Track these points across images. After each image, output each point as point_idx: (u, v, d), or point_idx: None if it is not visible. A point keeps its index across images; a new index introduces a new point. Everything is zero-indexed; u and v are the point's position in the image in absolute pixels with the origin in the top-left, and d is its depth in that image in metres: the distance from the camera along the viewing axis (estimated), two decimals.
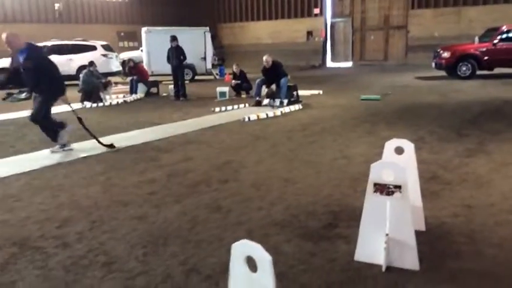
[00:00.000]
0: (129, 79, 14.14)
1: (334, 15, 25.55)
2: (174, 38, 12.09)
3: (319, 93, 12.34)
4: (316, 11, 25.50)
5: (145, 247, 3.30)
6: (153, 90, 13.50)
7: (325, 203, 4.09)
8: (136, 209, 4.07)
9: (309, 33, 25.72)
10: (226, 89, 12.37)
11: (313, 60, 24.74)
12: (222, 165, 5.51)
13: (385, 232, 2.88)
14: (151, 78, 14.27)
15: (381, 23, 24.11)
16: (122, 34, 24.34)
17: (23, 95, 13.51)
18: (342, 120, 8.31)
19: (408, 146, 3.33)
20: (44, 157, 6.14)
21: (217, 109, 10.04)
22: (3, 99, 13.22)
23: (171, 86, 12.72)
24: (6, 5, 19.92)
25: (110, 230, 3.62)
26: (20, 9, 20.42)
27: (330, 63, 25.57)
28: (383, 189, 2.85)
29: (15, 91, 13.86)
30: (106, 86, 12.32)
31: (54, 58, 16.83)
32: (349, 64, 24.97)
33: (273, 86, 10.54)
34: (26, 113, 10.17)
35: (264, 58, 10.68)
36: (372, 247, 2.94)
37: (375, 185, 2.87)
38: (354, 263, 2.96)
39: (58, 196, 4.50)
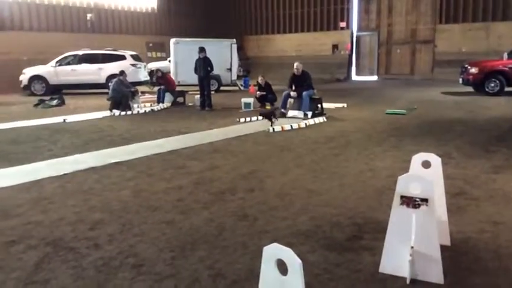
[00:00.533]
0: (156, 88, 14.46)
1: (360, 29, 25.58)
2: (202, 49, 12.35)
3: (343, 107, 12.36)
4: (342, 24, 25.58)
5: (173, 251, 3.40)
6: (180, 99, 13.76)
7: (349, 215, 4.12)
8: (164, 214, 4.19)
9: (335, 47, 25.78)
10: (251, 100, 12.52)
11: (338, 73, 24.76)
12: (248, 174, 5.60)
13: (411, 245, 2.90)
14: (177, 88, 14.55)
15: (408, 37, 23.99)
16: (151, 45, 24.88)
17: (54, 102, 13.98)
18: (367, 133, 8.31)
19: (435, 160, 3.35)
20: (76, 161, 6.35)
21: (242, 119, 10.17)
22: (35, 105, 13.68)
23: (197, 96, 12.95)
24: (41, 14, 20.68)
25: (139, 234, 3.74)
26: (54, 18, 21.15)
27: (355, 77, 25.54)
28: (409, 201, 2.89)
29: (47, 98, 14.34)
30: (134, 94, 12.63)
31: (85, 67, 17.55)
32: (374, 78, 24.89)
33: (293, 94, 10.60)
34: (58, 119, 10.59)
35: (295, 65, 10.77)
36: (396, 259, 2.96)
37: (402, 197, 2.90)
38: (379, 275, 2.99)
39: (90, 199, 4.66)
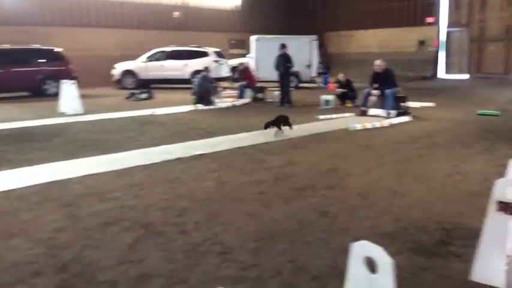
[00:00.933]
0: (237, 85, 14.80)
1: (449, 25, 24.16)
2: (283, 46, 12.43)
3: (430, 106, 11.77)
4: (430, 19, 24.32)
5: (256, 242, 3.49)
6: (259, 95, 13.96)
7: (437, 219, 3.94)
8: (246, 206, 4.30)
9: (421, 43, 24.61)
10: (331, 97, 12.37)
11: (424, 71, 23.64)
12: (327, 172, 5.56)
13: (507, 253, 2.72)
14: (258, 84, 14.75)
15: (502, 33, 22.26)
16: (233, 42, 25.46)
17: (144, 95, 14.85)
18: (456, 135, 7.86)
19: None
20: (163, 152, 6.70)
21: (321, 117, 10.08)
22: (127, 98, 14.63)
23: (277, 92, 13.04)
24: (132, 12, 22.14)
25: (223, 223, 3.88)
26: (144, 16, 22.49)
27: (443, 75, 24.20)
28: (507, 208, 2.70)
29: (137, 91, 15.26)
30: (217, 90, 13.05)
31: (171, 63, 18.35)
32: (464, 76, 23.42)
33: (376, 92, 10.23)
34: (146, 111, 11.23)
35: (378, 62, 10.38)
36: (490, 268, 2.79)
37: (499, 203, 2.73)
38: (470, 283, 2.84)
39: (176, 188, 4.91)
